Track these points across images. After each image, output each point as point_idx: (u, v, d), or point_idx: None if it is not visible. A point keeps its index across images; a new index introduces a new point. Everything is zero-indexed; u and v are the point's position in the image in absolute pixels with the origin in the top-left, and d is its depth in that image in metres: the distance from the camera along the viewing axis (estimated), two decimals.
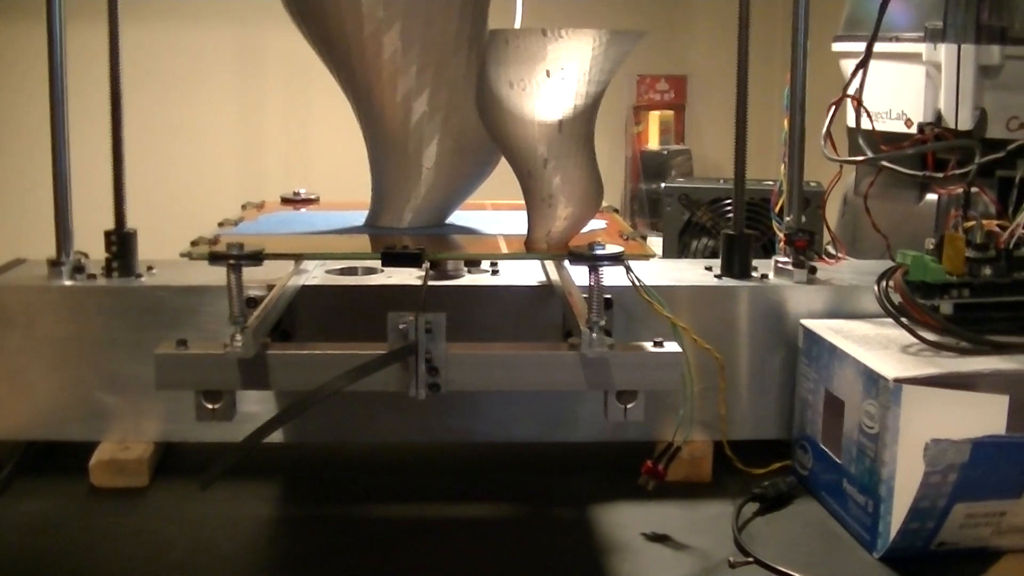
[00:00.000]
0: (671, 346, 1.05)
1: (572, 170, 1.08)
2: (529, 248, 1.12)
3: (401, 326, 1.01)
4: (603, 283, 1.03)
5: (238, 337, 1.03)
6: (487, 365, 1.05)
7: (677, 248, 1.76)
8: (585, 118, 1.07)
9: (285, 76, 3.31)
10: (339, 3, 1.17)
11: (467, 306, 1.29)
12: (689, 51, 3.38)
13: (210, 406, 1.05)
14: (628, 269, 1.11)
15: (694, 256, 1.76)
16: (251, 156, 3.38)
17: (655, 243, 1.81)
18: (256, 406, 1.24)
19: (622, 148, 3.27)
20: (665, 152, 3.07)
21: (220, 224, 1.27)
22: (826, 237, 1.50)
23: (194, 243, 1.12)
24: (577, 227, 1.11)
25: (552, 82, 1.04)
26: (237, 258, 1.03)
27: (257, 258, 1.04)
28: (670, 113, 3.28)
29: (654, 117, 3.24)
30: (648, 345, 1.05)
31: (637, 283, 1.11)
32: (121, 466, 1.27)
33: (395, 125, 1.22)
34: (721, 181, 1.79)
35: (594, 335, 1.02)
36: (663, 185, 1.81)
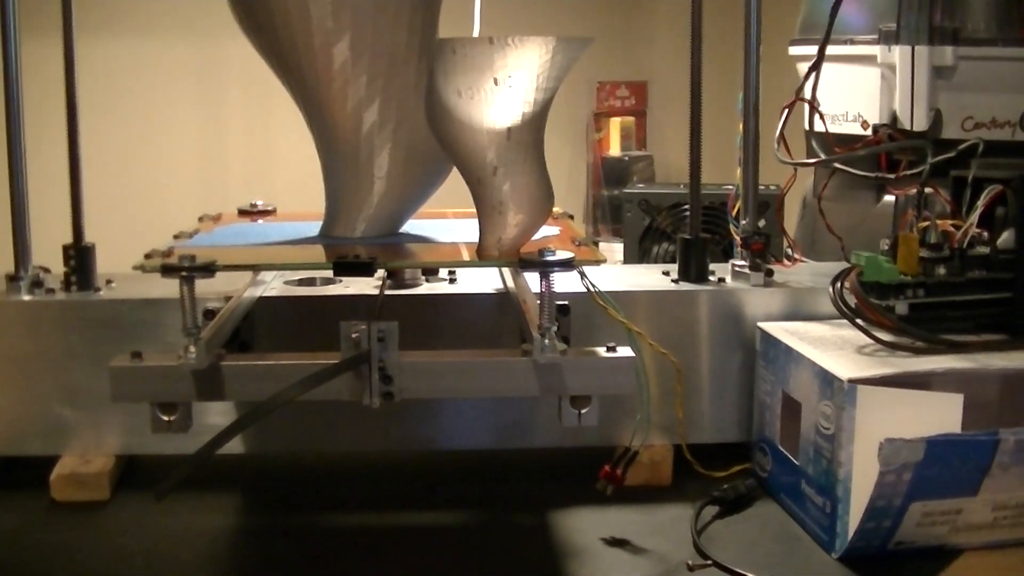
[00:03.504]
0: (624, 351, 1.05)
1: (521, 177, 1.08)
2: (480, 255, 1.12)
3: (354, 335, 1.01)
4: (554, 289, 1.03)
5: (192, 349, 1.02)
6: (440, 373, 1.05)
7: (638, 253, 1.76)
8: (534, 125, 1.07)
9: (245, 88, 3.30)
10: (288, 14, 1.17)
11: (425, 315, 1.29)
12: (649, 57, 3.39)
13: (166, 418, 1.04)
14: (583, 275, 1.11)
15: (655, 261, 1.76)
16: (212, 169, 3.37)
17: (616, 249, 1.81)
18: (219, 418, 1.24)
19: (583, 155, 3.28)
20: (626, 158, 3.07)
21: (175, 237, 1.26)
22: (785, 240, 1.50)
23: (148, 256, 1.12)
24: (528, 234, 1.11)
25: (500, 90, 1.04)
26: (189, 270, 1.03)
27: (209, 270, 1.04)
28: (631, 119, 3.28)
29: (615, 123, 3.23)
30: (600, 350, 1.05)
31: (592, 289, 1.11)
32: (82, 480, 1.26)
33: (346, 135, 1.22)
34: (681, 186, 1.79)
35: (546, 341, 1.02)
36: (623, 191, 1.81)
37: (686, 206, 1.74)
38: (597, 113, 3.29)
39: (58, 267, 1.35)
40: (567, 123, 3.14)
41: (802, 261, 1.41)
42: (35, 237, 1.35)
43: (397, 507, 1.27)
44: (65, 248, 1.34)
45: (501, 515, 1.24)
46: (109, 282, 1.35)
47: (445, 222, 1.37)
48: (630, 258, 1.77)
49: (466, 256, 1.17)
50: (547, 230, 1.18)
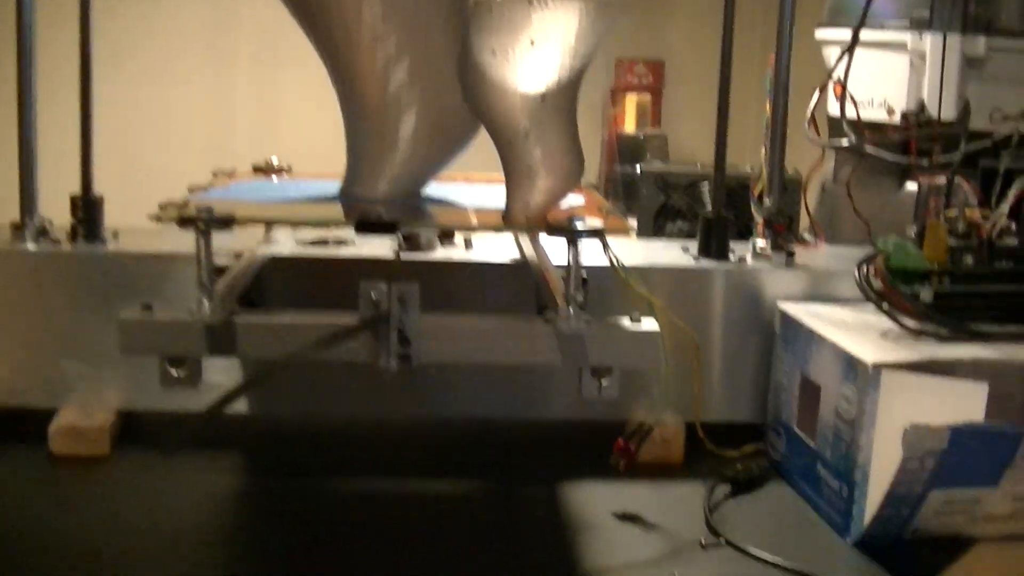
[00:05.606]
0: (648, 323, 1.03)
1: (553, 142, 1.06)
2: (507, 221, 1.10)
3: (373, 295, 0.99)
4: (581, 258, 1.01)
5: (205, 303, 1.00)
6: (460, 337, 1.03)
7: (652, 231, 1.75)
8: (568, 91, 1.06)
9: (257, 44, 3.27)
10: None
11: (440, 280, 1.27)
12: (667, 36, 3.38)
13: (175, 372, 1.02)
14: (606, 246, 1.09)
15: (668, 239, 1.75)
16: (222, 125, 3.34)
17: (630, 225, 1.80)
18: (222, 375, 1.21)
19: (598, 130, 3.26)
20: (641, 136, 3.06)
21: (190, 190, 1.24)
22: (803, 224, 1.49)
23: (163, 206, 1.10)
24: (556, 200, 1.09)
25: (536, 52, 1.02)
26: (207, 222, 1.01)
27: (227, 223, 1.02)
28: (647, 97, 3.27)
29: (631, 100, 3.23)
30: (625, 321, 1.03)
31: (614, 261, 1.09)
32: (81, 434, 1.24)
33: (373, 93, 1.20)
34: (698, 165, 1.78)
35: (571, 310, 1.00)
36: (639, 167, 1.80)
37: (703, 184, 1.73)
38: (614, 89, 3.28)
39: (63, 221, 1.32)
40: (583, 98, 3.12)
41: (819, 244, 1.39)
42: (43, 192, 1.32)
43: (404, 474, 1.25)
44: (73, 199, 1.32)
45: (511, 486, 1.23)
46: (116, 235, 1.33)
47: (465, 186, 1.35)
48: (644, 235, 1.75)
49: (490, 221, 1.16)
50: (572, 199, 1.16)
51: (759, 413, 1.32)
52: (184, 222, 1.02)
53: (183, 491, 1.17)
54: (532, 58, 1.02)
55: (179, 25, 3.31)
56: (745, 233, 1.46)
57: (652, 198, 1.73)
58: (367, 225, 1.06)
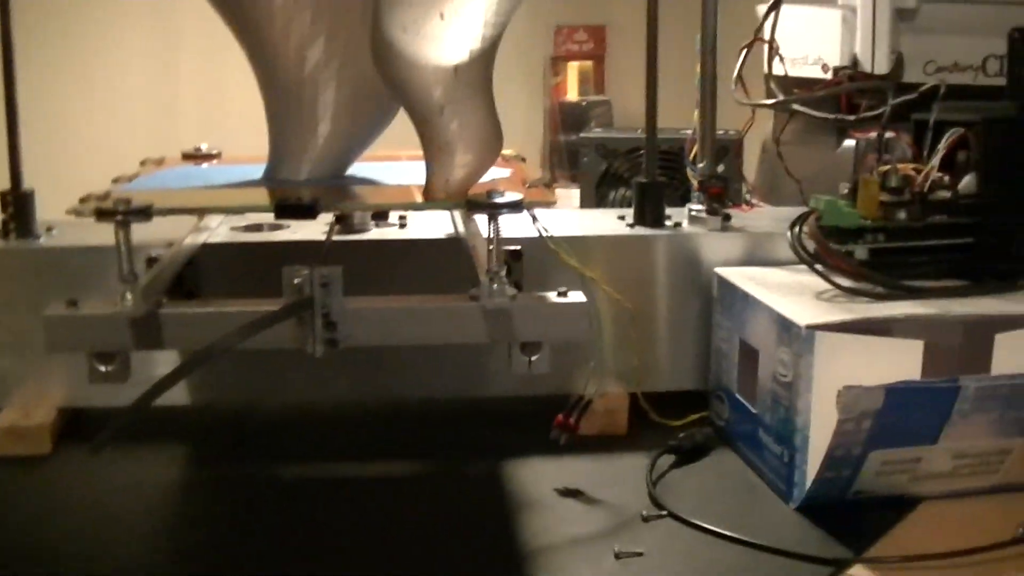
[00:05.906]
0: (575, 296, 1.02)
1: (469, 116, 1.05)
2: (427, 197, 1.09)
3: (296, 281, 0.98)
4: (503, 232, 1.00)
5: (128, 295, 0.99)
6: (385, 319, 1.02)
7: (595, 199, 1.73)
8: (482, 63, 1.04)
9: (201, 23, 3.20)
10: None
11: (375, 261, 1.26)
12: (608, 1, 3.35)
13: (103, 368, 1.01)
14: (534, 218, 1.08)
15: (612, 207, 1.73)
16: (163, 112, 3.28)
17: (573, 194, 1.78)
18: (168, 369, 1.20)
19: (540, 100, 3.24)
20: (584, 103, 3.05)
21: (114, 180, 1.22)
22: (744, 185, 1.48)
23: (83, 200, 1.08)
24: (476, 175, 1.08)
25: (447, 25, 1.00)
26: (125, 214, 0.99)
27: (145, 213, 1.00)
28: (589, 64, 3.25)
29: (573, 68, 3.21)
30: (551, 295, 1.02)
31: (543, 232, 1.08)
32: (21, 434, 1.23)
33: (289, 73, 1.18)
34: (639, 131, 1.76)
35: (494, 285, 0.99)
36: (580, 135, 1.79)
37: (644, 151, 1.71)
38: (555, 57, 3.26)
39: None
40: (524, 68, 3.10)
41: (760, 206, 1.38)
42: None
43: (346, 457, 1.24)
44: (3, 194, 1.30)
45: (453, 465, 1.22)
46: (50, 229, 1.31)
47: (396, 164, 1.33)
48: (587, 204, 1.74)
49: (413, 199, 1.14)
50: (498, 172, 1.14)
51: (703, 380, 1.31)
52: (101, 215, 1.00)
53: (125, 486, 1.16)
54: (443, 32, 1.01)
55: (121, 8, 3.24)
56: (687, 198, 1.45)
57: (594, 166, 1.72)
58: (287, 208, 1.05)
